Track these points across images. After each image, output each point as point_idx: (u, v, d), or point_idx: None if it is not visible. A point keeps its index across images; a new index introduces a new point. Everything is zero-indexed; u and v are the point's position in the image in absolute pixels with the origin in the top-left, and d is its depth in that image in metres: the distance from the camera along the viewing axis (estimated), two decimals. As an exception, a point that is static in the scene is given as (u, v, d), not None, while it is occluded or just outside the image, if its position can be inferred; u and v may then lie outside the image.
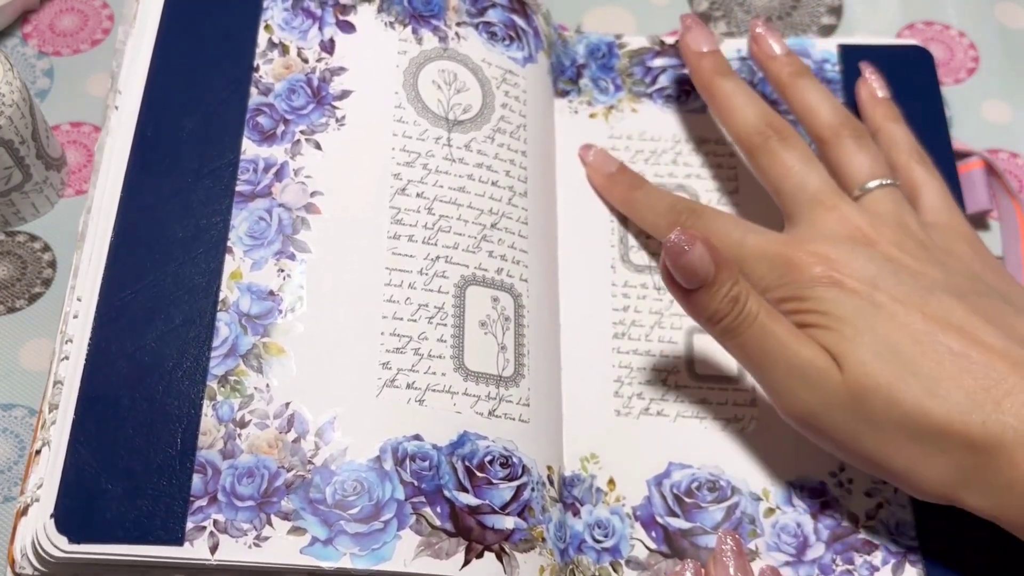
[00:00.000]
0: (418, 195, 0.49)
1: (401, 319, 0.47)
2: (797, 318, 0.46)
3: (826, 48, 0.60)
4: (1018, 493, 0.41)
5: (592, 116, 0.58)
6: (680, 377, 0.52)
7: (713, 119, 0.58)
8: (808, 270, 0.46)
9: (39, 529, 0.41)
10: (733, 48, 0.60)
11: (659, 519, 0.48)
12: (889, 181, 0.50)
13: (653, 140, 0.58)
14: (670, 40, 0.60)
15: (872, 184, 0.50)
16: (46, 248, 0.56)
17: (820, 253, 0.46)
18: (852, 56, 0.58)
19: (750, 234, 0.49)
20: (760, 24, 0.55)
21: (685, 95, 0.59)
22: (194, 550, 0.41)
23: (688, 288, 0.44)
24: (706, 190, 0.56)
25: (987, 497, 0.42)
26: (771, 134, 0.51)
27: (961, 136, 0.60)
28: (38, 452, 0.44)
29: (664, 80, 0.59)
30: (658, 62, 0.60)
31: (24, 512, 0.42)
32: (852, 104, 0.56)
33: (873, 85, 0.56)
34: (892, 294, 0.45)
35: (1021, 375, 0.42)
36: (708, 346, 0.52)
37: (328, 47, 0.52)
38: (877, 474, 0.45)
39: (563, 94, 0.58)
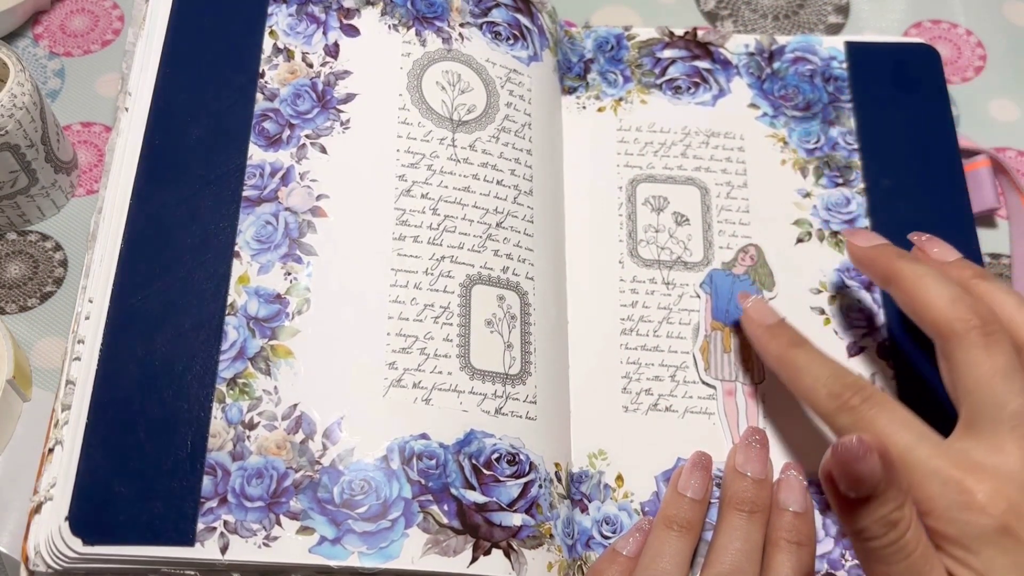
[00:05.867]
0: (423, 196, 0.50)
1: (407, 319, 0.47)
2: (954, 567, 0.40)
3: (833, 45, 0.59)
4: None
5: (600, 110, 0.58)
6: (688, 373, 0.52)
7: (719, 113, 0.58)
8: (986, 514, 0.40)
9: (54, 531, 0.42)
10: (741, 43, 0.60)
11: (666, 516, 0.48)
12: None
13: (662, 132, 0.57)
14: (679, 31, 0.60)
15: None
16: (57, 247, 0.56)
17: (1006, 494, 0.40)
18: (859, 53, 0.57)
19: (924, 442, 0.42)
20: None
21: (695, 87, 0.58)
22: (205, 550, 0.42)
23: (846, 495, 0.39)
24: (716, 183, 0.56)
25: None
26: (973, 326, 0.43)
27: (968, 134, 0.60)
28: (51, 451, 0.44)
29: (674, 71, 0.59)
30: (668, 53, 0.59)
31: (37, 510, 0.43)
32: (860, 104, 0.56)
33: None
34: None
35: None
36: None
37: (332, 51, 0.53)
38: None
39: (570, 91, 0.58)
